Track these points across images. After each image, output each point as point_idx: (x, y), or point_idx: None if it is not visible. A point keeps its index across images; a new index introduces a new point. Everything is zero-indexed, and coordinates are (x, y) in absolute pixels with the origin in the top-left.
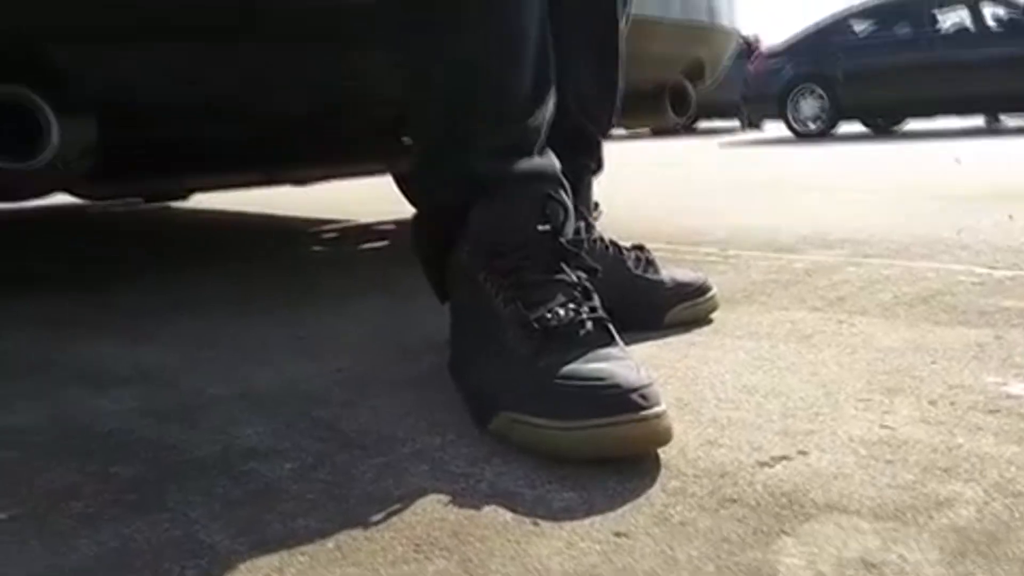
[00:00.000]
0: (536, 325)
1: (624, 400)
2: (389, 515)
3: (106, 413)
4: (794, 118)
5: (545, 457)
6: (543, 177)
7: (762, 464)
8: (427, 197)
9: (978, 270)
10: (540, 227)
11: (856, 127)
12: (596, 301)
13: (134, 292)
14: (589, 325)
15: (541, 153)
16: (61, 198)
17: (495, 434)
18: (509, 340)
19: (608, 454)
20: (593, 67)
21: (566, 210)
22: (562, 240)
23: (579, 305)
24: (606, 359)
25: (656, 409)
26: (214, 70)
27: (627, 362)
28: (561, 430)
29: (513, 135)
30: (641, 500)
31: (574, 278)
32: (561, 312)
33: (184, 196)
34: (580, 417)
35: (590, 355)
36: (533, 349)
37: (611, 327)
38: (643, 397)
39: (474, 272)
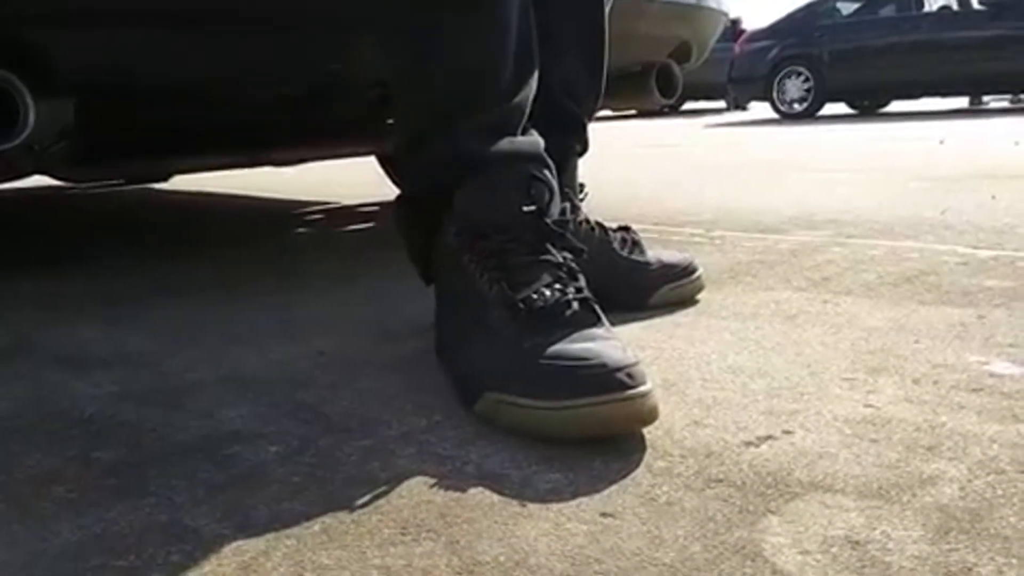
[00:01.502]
0: (521, 306)
1: (610, 380)
2: (375, 498)
3: (87, 397)
4: (779, 99)
5: (531, 438)
6: (527, 157)
7: (747, 444)
8: (411, 179)
9: (961, 250)
10: (525, 208)
11: (841, 108)
12: (582, 282)
13: (115, 276)
14: (575, 306)
15: (524, 133)
16: (40, 180)
17: (481, 415)
18: (494, 321)
19: (594, 434)
20: (578, 47)
21: (551, 190)
22: (547, 221)
23: (565, 286)
24: (592, 339)
25: (642, 388)
26: (194, 52)
27: (613, 342)
28: (547, 410)
29: (495, 115)
30: (627, 481)
31: (559, 259)
32: (547, 293)
33: (165, 178)
34: (566, 397)
35: (576, 335)
36: (518, 330)
37: (597, 308)
38: (629, 376)
39: (459, 254)
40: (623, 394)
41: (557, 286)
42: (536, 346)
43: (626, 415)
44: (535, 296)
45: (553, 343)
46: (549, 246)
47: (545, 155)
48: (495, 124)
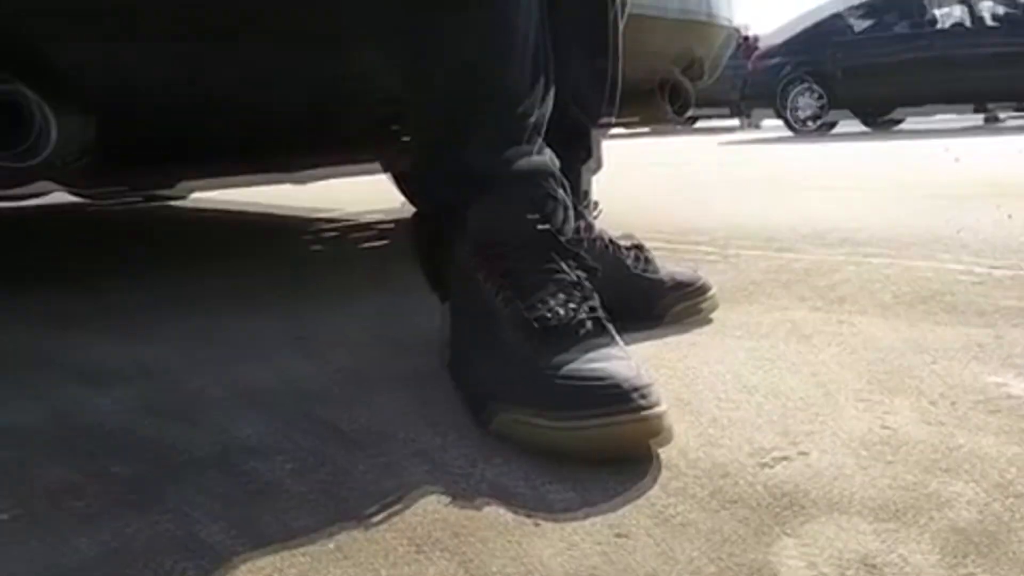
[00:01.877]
0: (535, 324)
1: (624, 399)
2: (390, 515)
3: (106, 412)
4: (792, 116)
5: (546, 456)
6: (541, 174)
7: (762, 464)
8: (425, 195)
9: (978, 269)
10: (539, 226)
11: (854, 125)
12: (596, 300)
13: (133, 290)
14: (589, 324)
15: (539, 151)
16: (60, 196)
17: (494, 433)
18: (508, 339)
19: (608, 453)
20: (589, 62)
21: (565, 208)
22: (561, 239)
23: (578, 304)
24: (606, 359)
25: (656, 409)
26: (213, 67)
27: (627, 362)
28: (560, 429)
29: (510, 132)
30: (641, 500)
31: (573, 277)
32: (561, 311)
33: (183, 195)
34: (580, 416)
35: (590, 355)
36: (533, 349)
37: (610, 327)
38: (643, 396)
39: (472, 271)
40: (638, 414)
41: (571, 305)
42: (550, 365)
43: (640, 435)
44: (549, 315)
45: (567, 362)
46: (563, 264)
47: (560, 173)
48: (506, 136)
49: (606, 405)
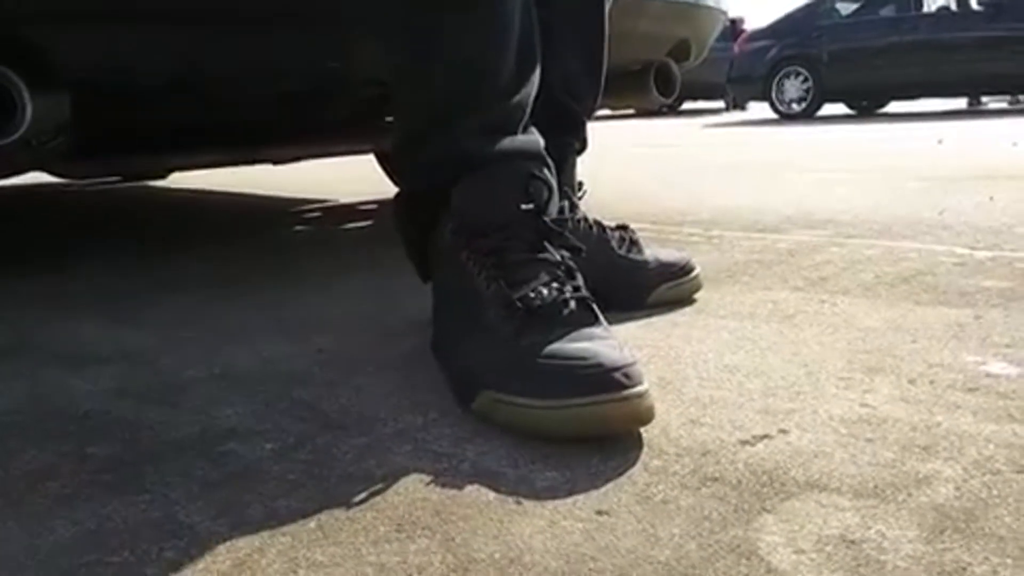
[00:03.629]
0: (519, 304)
1: (606, 379)
2: (371, 495)
3: (83, 394)
4: (778, 99)
5: (528, 436)
6: (526, 155)
7: (743, 443)
8: (409, 176)
9: (959, 251)
10: (523, 206)
11: (839, 109)
12: (579, 280)
13: (113, 273)
14: (572, 304)
15: (525, 131)
16: (38, 177)
17: (478, 413)
18: (492, 319)
19: (591, 433)
20: (578, 45)
21: (550, 189)
22: (545, 219)
23: (562, 284)
24: (589, 338)
25: (638, 388)
26: (191, 49)
27: (610, 341)
28: (543, 409)
29: (496, 114)
30: (623, 479)
31: (557, 257)
32: (544, 291)
33: (162, 175)
34: (563, 396)
35: (573, 334)
36: (516, 328)
37: (594, 307)
38: (626, 376)
39: (456, 251)
40: (620, 394)
41: (555, 285)
42: (533, 345)
43: (623, 415)
44: (532, 295)
45: (550, 342)
46: (547, 244)
47: (545, 154)
48: (495, 123)
49: (589, 385)
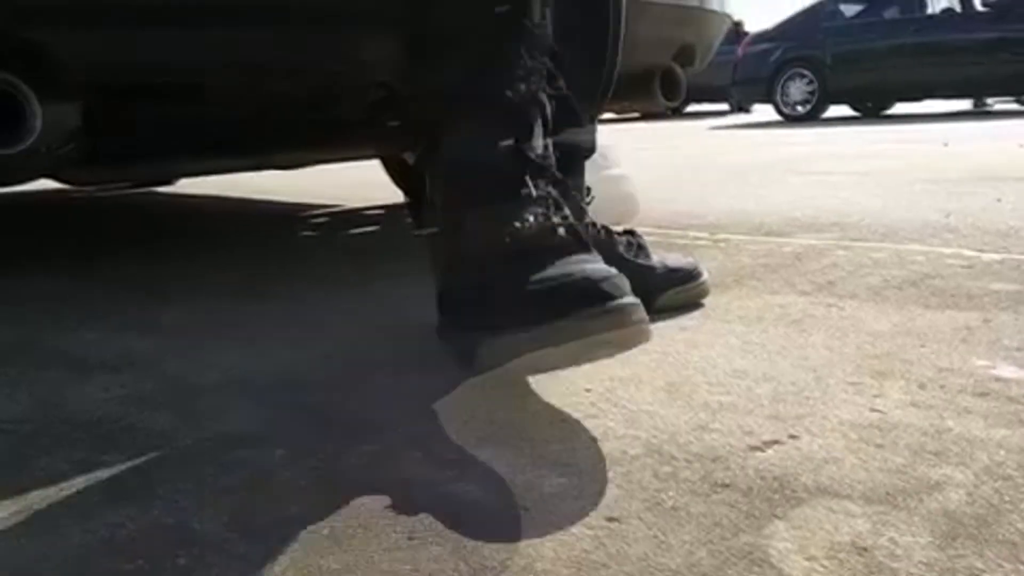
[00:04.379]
0: (508, 239)
1: (595, 293)
2: (382, 502)
3: (93, 401)
4: (783, 101)
5: (537, 440)
6: (522, 101)
7: (753, 448)
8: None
9: (967, 253)
10: (503, 143)
11: (844, 110)
12: (567, 211)
13: (121, 279)
14: (561, 232)
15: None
16: (46, 184)
17: (482, 368)
18: (484, 259)
19: (590, 353)
20: (587, 46)
21: (531, 126)
22: (530, 155)
23: (549, 213)
24: (578, 263)
25: (627, 299)
26: (201, 54)
27: (598, 264)
28: (537, 337)
29: (486, 55)
30: (633, 485)
31: (544, 192)
32: (531, 219)
33: (170, 181)
34: (554, 320)
35: (563, 260)
36: (507, 262)
37: (584, 235)
38: (615, 287)
39: (447, 193)
40: (608, 305)
41: (541, 211)
42: (524, 272)
43: (617, 327)
44: (518, 225)
45: (542, 269)
46: (535, 181)
47: (543, 101)
48: (486, 66)
49: (578, 302)
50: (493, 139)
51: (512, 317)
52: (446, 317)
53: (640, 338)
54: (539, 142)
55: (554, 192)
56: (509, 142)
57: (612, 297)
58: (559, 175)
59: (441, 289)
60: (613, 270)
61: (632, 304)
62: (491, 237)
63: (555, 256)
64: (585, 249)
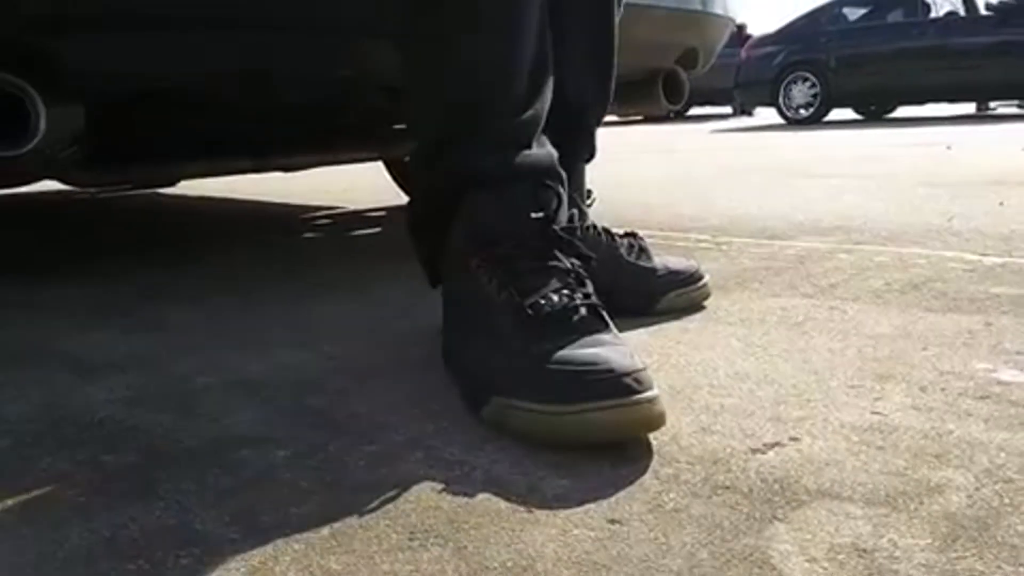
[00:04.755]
0: (530, 311)
1: (617, 385)
2: (383, 503)
3: (97, 401)
4: (786, 105)
5: (539, 443)
6: (539, 170)
7: (755, 451)
8: (423, 188)
9: (969, 257)
10: (533, 214)
11: (847, 114)
12: (590, 288)
13: (124, 279)
14: (583, 311)
15: (538, 143)
16: (49, 185)
17: (488, 421)
18: (502, 326)
19: (601, 439)
20: (589, 55)
21: (559, 198)
22: (555, 227)
23: (572, 291)
24: (599, 344)
25: (649, 393)
26: (202, 57)
27: (620, 347)
28: (554, 415)
29: (510, 129)
30: (635, 487)
31: (567, 265)
32: (555, 298)
33: (172, 183)
34: (573, 402)
35: (584, 340)
36: (527, 335)
37: (604, 313)
38: (637, 381)
39: (467, 258)
40: (630, 399)
41: (565, 291)
42: (544, 351)
43: (633, 420)
44: (543, 301)
45: (561, 348)
46: (557, 252)
47: (557, 164)
48: (509, 138)
49: (600, 391)
50: (519, 210)
51: (531, 390)
52: (453, 349)
53: (655, 427)
54: (564, 215)
55: (578, 265)
56: (537, 214)
57: (635, 392)
58: (584, 250)
59: (449, 329)
60: (636, 361)
61: (653, 398)
62: (511, 305)
63: (576, 335)
64: (606, 327)
